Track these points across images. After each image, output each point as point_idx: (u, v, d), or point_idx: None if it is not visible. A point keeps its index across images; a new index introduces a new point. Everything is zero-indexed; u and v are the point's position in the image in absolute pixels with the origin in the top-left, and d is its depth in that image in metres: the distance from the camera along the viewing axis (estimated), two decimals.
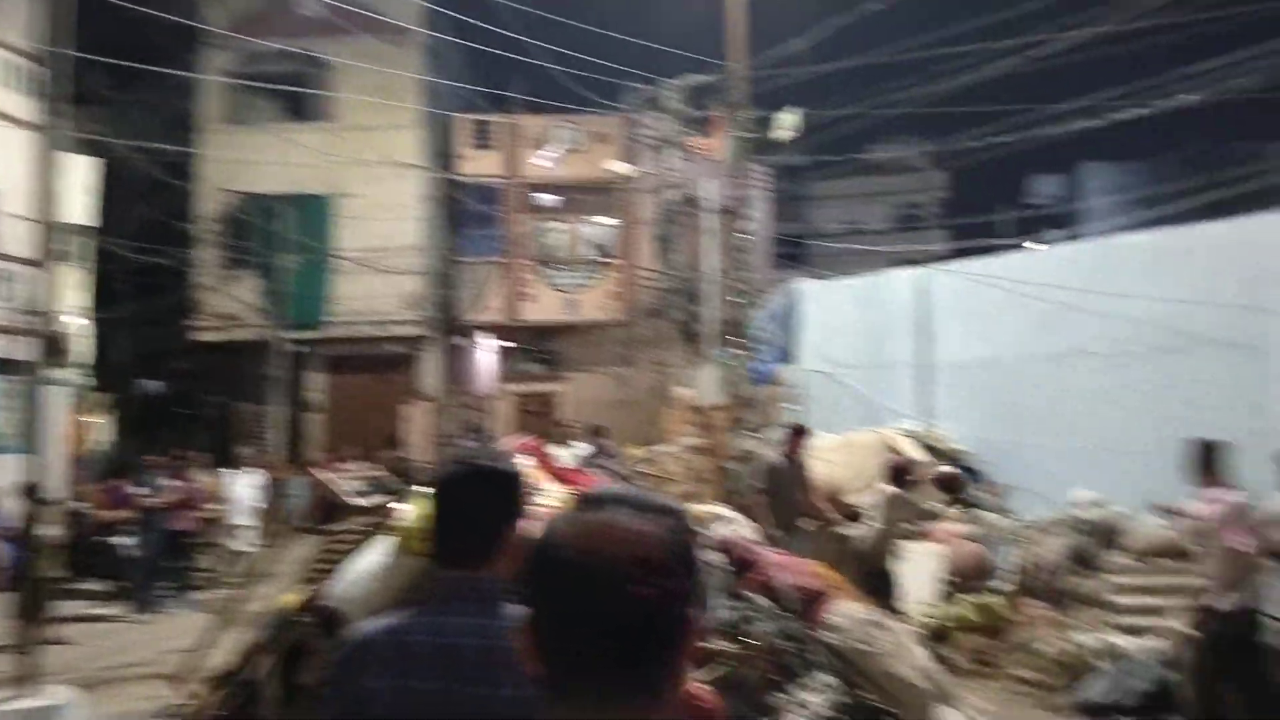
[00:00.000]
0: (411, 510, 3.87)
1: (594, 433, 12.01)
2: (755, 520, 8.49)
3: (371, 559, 3.98)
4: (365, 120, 17.91)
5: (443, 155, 20.35)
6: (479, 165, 20.25)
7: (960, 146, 14.81)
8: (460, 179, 20.15)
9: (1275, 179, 16.76)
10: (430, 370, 19.93)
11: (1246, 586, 5.31)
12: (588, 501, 1.12)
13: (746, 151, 13.37)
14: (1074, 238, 20.28)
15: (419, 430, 18.83)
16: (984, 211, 28.37)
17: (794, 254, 27.55)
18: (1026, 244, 12.24)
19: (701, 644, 1.11)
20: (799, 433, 8.77)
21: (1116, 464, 9.35)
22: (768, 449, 9.65)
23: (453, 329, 20.45)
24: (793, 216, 34.06)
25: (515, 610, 1.59)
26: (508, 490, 1.88)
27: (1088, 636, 7.53)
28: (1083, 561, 8.66)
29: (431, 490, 1.93)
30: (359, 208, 18.29)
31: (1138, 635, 7.21)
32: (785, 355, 12.82)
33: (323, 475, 13.91)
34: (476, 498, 1.84)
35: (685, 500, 10.77)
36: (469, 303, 20.33)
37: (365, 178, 18.18)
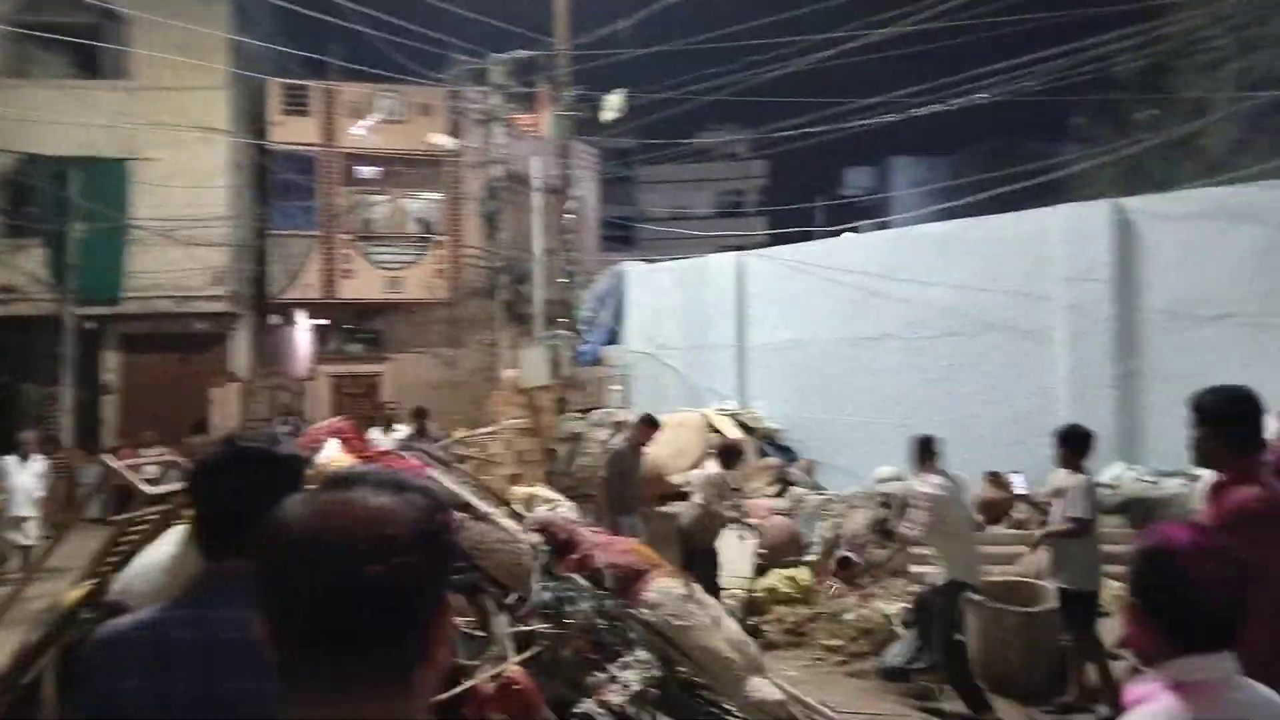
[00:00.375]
0: None
1: (416, 415, 11.71)
2: (598, 504, 8.56)
3: (162, 550, 3.73)
4: (167, 80, 16.67)
5: (254, 121, 19.23)
6: (293, 133, 19.23)
7: (777, 135, 15.32)
8: (272, 147, 19.10)
9: (1059, 174, 18.26)
10: (240, 350, 18.87)
11: (954, 563, 6.19)
12: (331, 481, 1.05)
13: (572, 131, 13.35)
14: (884, 226, 21.42)
15: (228, 414, 17.82)
16: (802, 200, 29.55)
17: (621, 236, 27.84)
18: (846, 233, 12.77)
19: (449, 628, 1.04)
20: (649, 424, 8.77)
21: None
22: (617, 438, 9.67)
23: (265, 306, 19.43)
24: (620, 199, 34.37)
25: None
26: (280, 474, 1.76)
27: (889, 604, 8.01)
28: (885, 533, 9.20)
29: (196, 476, 1.82)
30: (159, 174, 17.03)
31: None
32: (611, 336, 12.93)
33: (116, 462, 12.93)
34: (244, 483, 1.74)
35: (510, 482, 10.71)
36: (283, 279, 19.36)
37: (167, 142, 16.94)
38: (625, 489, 8.49)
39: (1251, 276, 8.35)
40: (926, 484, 6.30)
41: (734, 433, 10.50)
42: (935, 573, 6.55)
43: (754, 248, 12.38)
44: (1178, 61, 16.37)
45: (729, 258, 12.08)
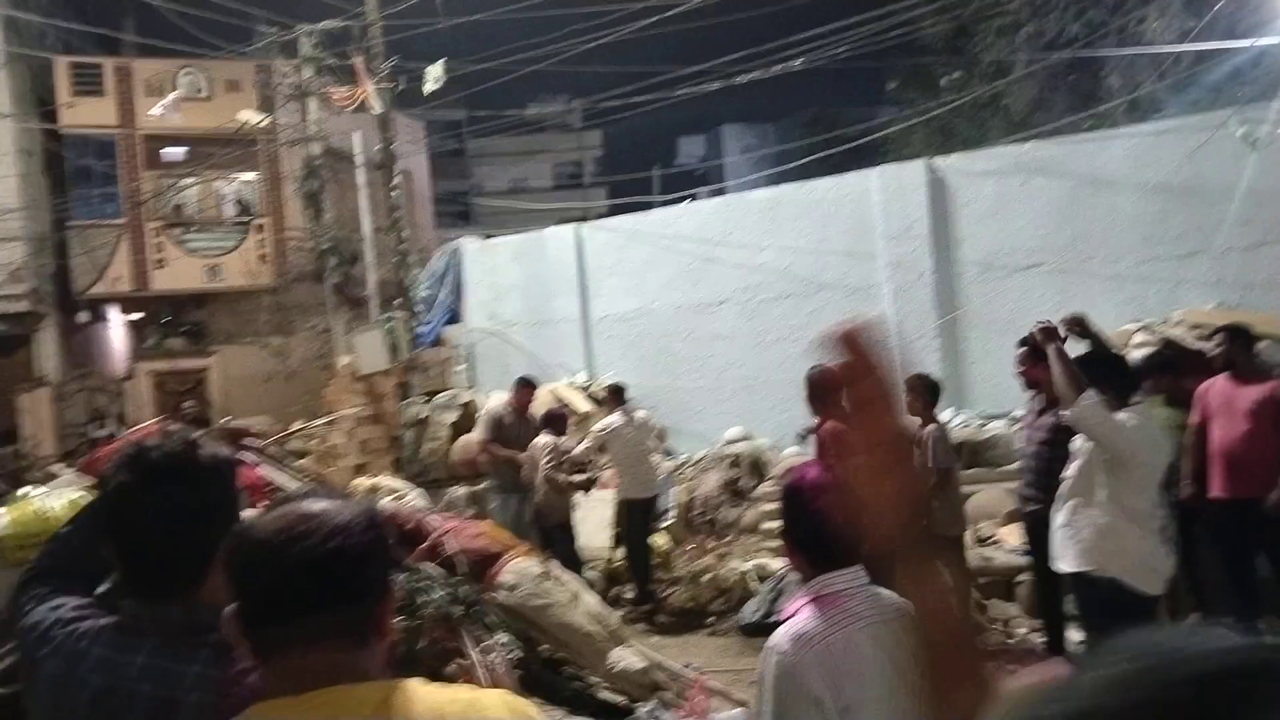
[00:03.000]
0: (12, 515, 3.33)
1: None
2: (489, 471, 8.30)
3: None
4: None
5: (42, 103, 17.63)
6: (87, 114, 17.73)
7: (608, 104, 15.28)
8: (64, 130, 17.58)
9: (875, 137, 19.07)
10: (48, 351, 17.40)
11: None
12: (280, 499, 1.32)
13: (392, 103, 12.87)
14: (720, 193, 21.81)
15: (38, 421, 16.43)
16: (639, 170, 29.70)
17: (457, 212, 27.25)
18: (687, 201, 12.89)
19: (392, 612, 1.29)
20: (526, 385, 8.54)
21: (758, 401, 10.26)
22: (493, 402, 9.37)
23: (71, 303, 17.95)
24: (454, 174, 33.61)
25: (220, 650, 1.42)
26: (210, 490, 1.52)
27: (745, 562, 8.22)
28: (736, 493, 9.44)
29: (110, 501, 1.55)
30: None
31: (786, 557, 7.97)
32: (451, 316, 12.63)
33: None
34: (165, 503, 1.47)
35: (356, 473, 10.32)
36: (90, 272, 17.93)
37: None
38: (499, 457, 8.20)
39: (1054, 227, 8.96)
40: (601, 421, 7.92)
41: (583, 405, 10.48)
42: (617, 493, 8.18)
43: (595, 219, 12.33)
44: (978, 25, 17.31)
45: (567, 230, 12.00)
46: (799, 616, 2.06)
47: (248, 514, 1.29)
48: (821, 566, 2.09)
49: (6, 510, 3.34)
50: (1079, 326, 4.99)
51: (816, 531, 2.08)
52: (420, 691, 1.22)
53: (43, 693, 1.51)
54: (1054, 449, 5.47)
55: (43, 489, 3.66)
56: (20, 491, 3.66)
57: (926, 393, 6.21)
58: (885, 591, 2.14)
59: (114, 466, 1.54)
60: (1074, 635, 5.80)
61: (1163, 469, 4.21)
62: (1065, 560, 4.11)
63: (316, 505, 1.24)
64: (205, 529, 1.47)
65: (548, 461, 7.80)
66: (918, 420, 6.32)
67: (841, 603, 2.04)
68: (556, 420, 8.07)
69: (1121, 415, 4.02)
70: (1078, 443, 4.26)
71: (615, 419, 8.21)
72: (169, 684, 1.42)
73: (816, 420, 5.70)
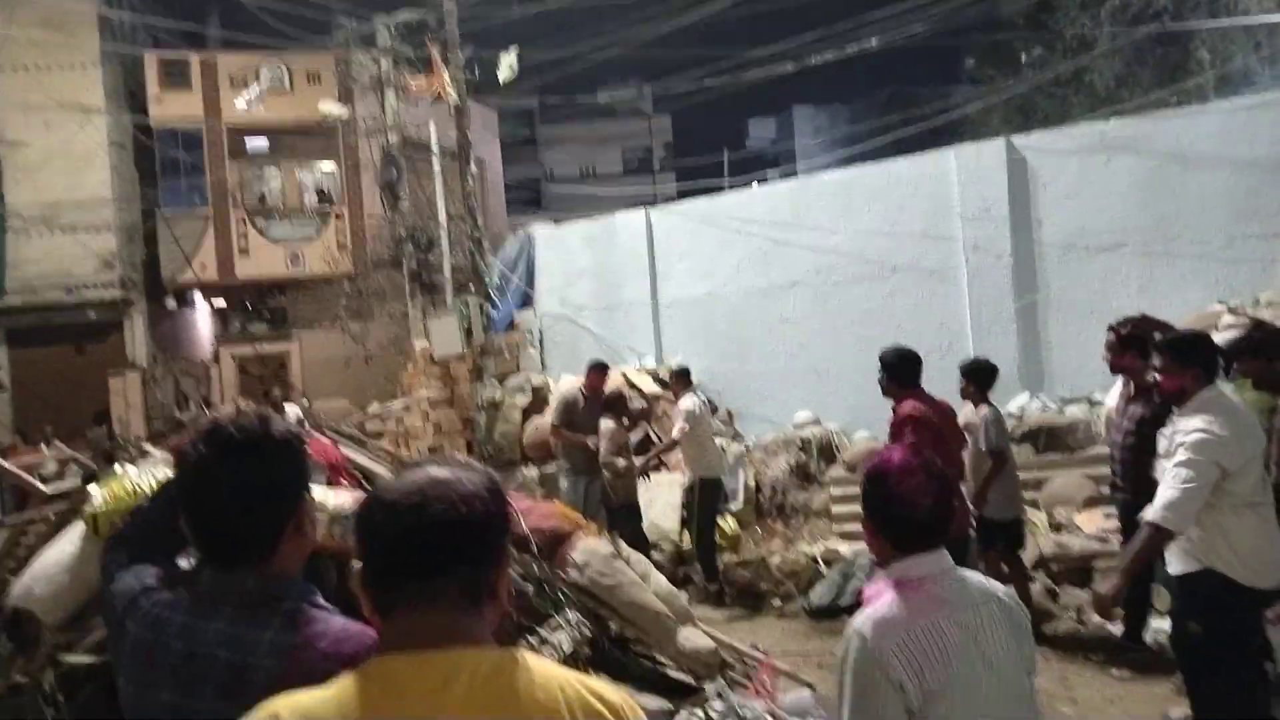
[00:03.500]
0: (106, 492, 3.49)
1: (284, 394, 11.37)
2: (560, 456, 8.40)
3: (62, 549, 3.56)
4: (32, 59, 15.72)
5: (132, 98, 18.29)
6: (175, 108, 18.36)
7: (679, 91, 15.25)
8: (154, 123, 18.22)
9: (953, 116, 18.65)
10: (138, 337, 18.11)
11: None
12: (407, 465, 1.36)
13: (468, 93, 13.04)
14: (790, 176, 21.60)
15: (130, 404, 17.14)
16: (708, 154, 29.55)
17: (529, 198, 27.50)
18: (754, 184, 12.82)
19: (508, 580, 1.34)
20: (599, 368, 8.57)
21: (827, 385, 10.17)
22: (565, 385, 9.48)
23: (160, 290, 18.64)
24: (525, 161, 33.91)
25: (292, 618, 1.51)
26: (281, 465, 1.57)
27: (813, 546, 8.19)
28: (805, 477, 9.39)
29: (181, 468, 1.62)
30: (32, 158, 16.11)
31: (855, 541, 7.91)
32: (524, 300, 12.78)
33: (10, 461, 12.33)
34: (238, 477, 1.53)
35: (430, 453, 10.54)
36: (177, 260, 18.58)
37: (38, 125, 16.02)
38: (575, 441, 8.28)
39: (1138, 206, 8.67)
40: (685, 403, 7.91)
41: (653, 389, 10.52)
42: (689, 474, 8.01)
43: (665, 203, 12.31)
44: (1060, 0, 16.79)
45: (638, 214, 12.02)
46: (881, 600, 2.05)
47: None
48: (905, 551, 2.07)
49: (101, 486, 3.49)
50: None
51: (901, 515, 2.06)
52: (534, 663, 1.25)
53: (129, 657, 1.59)
54: (1140, 440, 5.36)
55: (134, 468, 3.82)
56: (115, 469, 3.83)
57: (980, 377, 6.17)
58: (973, 575, 2.14)
59: (191, 442, 1.61)
60: (1156, 625, 5.65)
61: (1260, 455, 3.98)
62: (1172, 564, 3.92)
63: (445, 471, 1.29)
64: (277, 502, 1.56)
65: (607, 447, 7.88)
66: (969, 404, 6.24)
67: (926, 588, 2.02)
68: (616, 404, 8.12)
69: (1204, 416, 3.73)
70: (1165, 445, 3.88)
71: (694, 400, 8.17)
72: (244, 650, 1.49)
73: (893, 402, 5.61)
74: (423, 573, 1.23)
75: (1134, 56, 16.54)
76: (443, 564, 1.24)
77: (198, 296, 19.70)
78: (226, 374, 18.80)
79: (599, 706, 1.24)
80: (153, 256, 18.43)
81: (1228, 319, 7.44)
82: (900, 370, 5.52)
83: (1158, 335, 4.91)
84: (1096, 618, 6.37)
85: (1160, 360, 3.94)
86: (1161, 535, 3.62)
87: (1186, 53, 15.53)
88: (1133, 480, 5.45)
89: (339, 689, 1.22)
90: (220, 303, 19.81)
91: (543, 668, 1.25)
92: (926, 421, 5.25)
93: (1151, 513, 3.65)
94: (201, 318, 20.19)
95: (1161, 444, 4.07)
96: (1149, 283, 8.59)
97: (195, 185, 18.93)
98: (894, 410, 5.56)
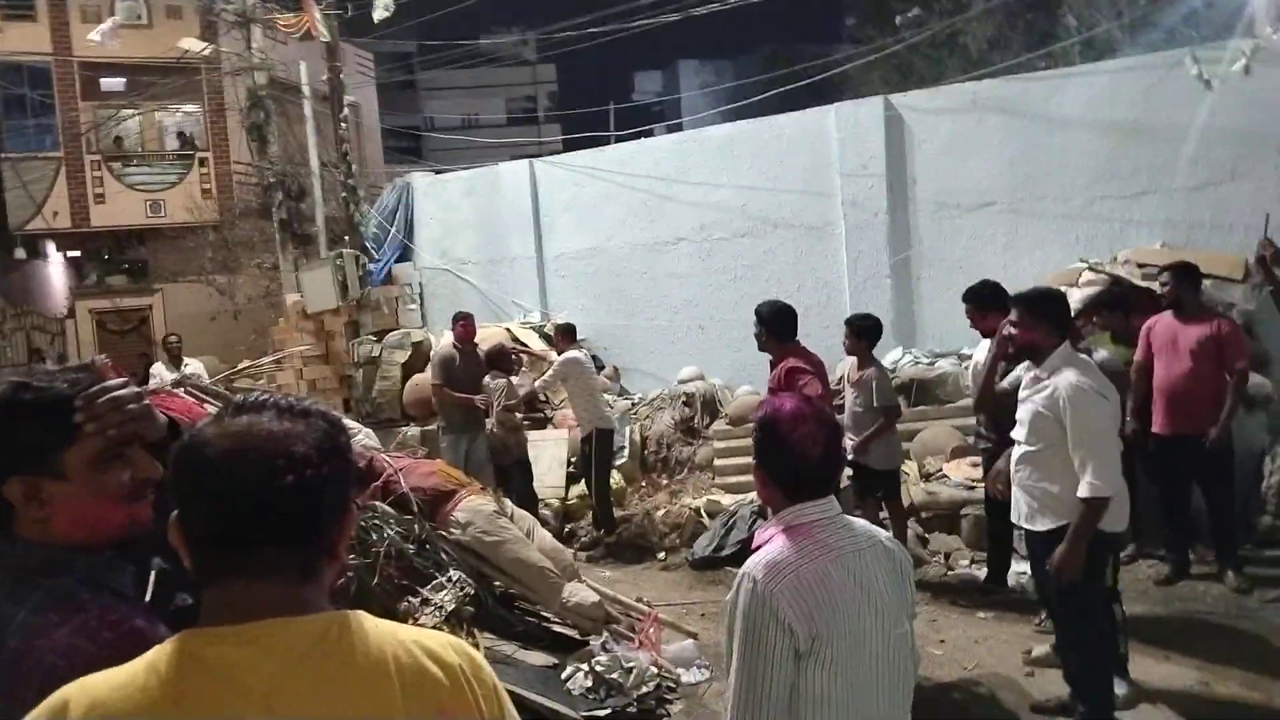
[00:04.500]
0: None
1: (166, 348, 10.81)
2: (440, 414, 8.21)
3: None
4: None
5: None
6: (18, 40, 16.98)
7: (562, 35, 14.94)
8: None
9: (833, 73, 18.90)
10: None
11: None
12: (239, 406, 1.19)
13: (341, 32, 12.45)
14: (676, 130, 21.52)
15: None
16: (594, 106, 29.17)
17: (408, 147, 26.62)
18: (643, 138, 12.69)
19: (348, 535, 1.22)
20: (462, 318, 8.36)
21: (712, 340, 10.27)
22: (438, 342, 9.27)
23: (7, 239, 17.35)
24: (404, 107, 32.81)
25: (52, 599, 1.36)
26: (42, 423, 1.43)
27: (696, 499, 8.30)
28: (689, 432, 9.48)
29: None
30: None
31: (737, 493, 8.06)
32: (402, 253, 12.40)
33: None
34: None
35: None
36: (26, 207, 17.32)
37: None
38: (452, 400, 8.10)
39: (1006, 166, 8.98)
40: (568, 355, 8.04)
41: (539, 344, 10.40)
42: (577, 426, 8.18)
43: (549, 155, 12.09)
44: None
45: (522, 165, 11.77)
46: (771, 545, 2.06)
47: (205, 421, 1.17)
48: (795, 497, 2.10)
49: None
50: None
51: (792, 462, 2.09)
52: (366, 625, 1.16)
53: None
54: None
55: None
56: None
57: (869, 333, 6.28)
58: (858, 521, 2.18)
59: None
60: (1018, 568, 5.95)
61: (1118, 411, 4.19)
62: (1036, 521, 4.08)
63: (275, 424, 1.15)
64: (27, 464, 1.43)
65: (498, 402, 7.79)
66: (852, 359, 6.40)
67: (814, 533, 2.05)
68: (501, 359, 8.00)
69: (1073, 372, 3.86)
70: (1039, 404, 3.99)
71: (577, 352, 8.30)
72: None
73: (772, 358, 5.67)
74: (247, 545, 1.12)
75: (1005, 20, 17.07)
76: (267, 537, 1.12)
77: (50, 246, 18.43)
78: (84, 329, 17.70)
79: (433, 669, 1.16)
80: None
81: (1088, 275, 7.82)
82: (777, 325, 5.57)
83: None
84: (963, 562, 6.69)
85: (1016, 314, 4.09)
86: (1101, 503, 3.78)
87: (1055, 19, 16.12)
88: (998, 428, 5.70)
89: (144, 668, 1.10)
90: (75, 253, 18.58)
91: (373, 632, 1.16)
92: (811, 372, 5.34)
93: (1086, 487, 3.78)
94: (55, 269, 18.92)
95: (1022, 377, 4.24)
96: (1014, 240, 8.94)
97: (45, 126, 17.63)
98: (771, 365, 5.63)
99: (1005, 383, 4.66)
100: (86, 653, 1.29)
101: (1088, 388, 3.81)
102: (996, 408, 5.14)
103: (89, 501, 1.45)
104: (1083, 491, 3.78)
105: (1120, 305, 6.44)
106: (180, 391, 4.85)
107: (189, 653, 1.10)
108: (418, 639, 1.19)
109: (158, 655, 1.11)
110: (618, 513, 8.35)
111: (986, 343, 6.01)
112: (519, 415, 8.02)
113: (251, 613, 1.11)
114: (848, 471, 5.94)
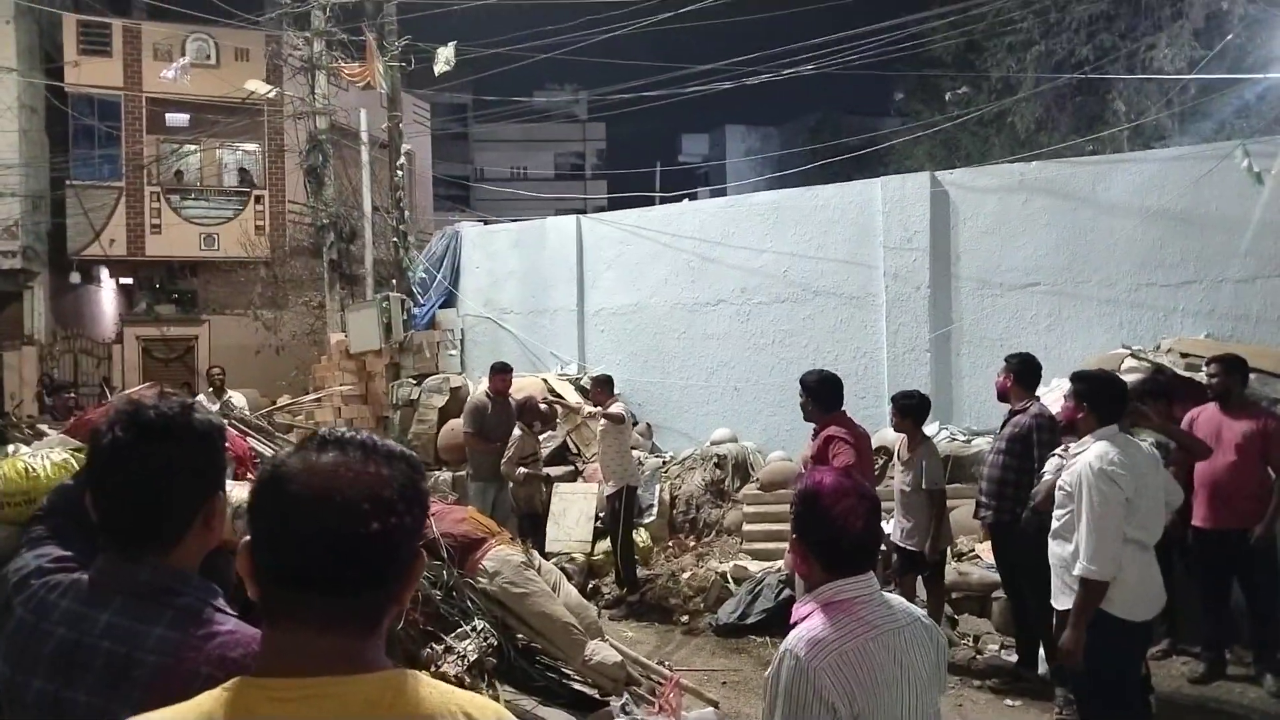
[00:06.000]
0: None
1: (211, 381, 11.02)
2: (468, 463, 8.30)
3: None
4: None
5: (48, 60, 17.51)
6: (93, 75, 17.65)
7: (614, 96, 15.26)
8: (69, 88, 17.46)
9: (881, 147, 19.10)
10: (38, 310, 17.31)
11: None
12: (323, 441, 1.16)
13: (402, 83, 12.81)
14: (720, 193, 21.79)
15: (24, 380, 16.35)
16: (640, 166, 29.66)
17: (458, 195, 27.16)
18: (685, 199, 12.88)
19: (416, 581, 1.20)
20: (499, 370, 8.55)
21: (746, 403, 10.27)
22: (475, 390, 9.41)
23: (64, 263, 17.85)
24: (457, 157, 33.52)
25: (185, 615, 1.44)
26: (197, 455, 1.51)
27: (723, 563, 8.23)
28: (719, 494, 9.45)
29: (93, 447, 1.54)
30: None
31: (764, 560, 7.99)
32: (447, 299, 12.59)
33: None
34: (151, 463, 1.47)
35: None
36: (85, 233, 17.83)
37: None
38: (482, 449, 8.22)
39: (1052, 247, 8.98)
40: (617, 406, 8.03)
41: (575, 397, 10.47)
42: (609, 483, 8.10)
43: (594, 212, 12.28)
44: (989, 41, 17.34)
45: (569, 220, 11.96)
46: (811, 621, 2.05)
47: (290, 452, 1.16)
48: (834, 572, 2.07)
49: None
50: None
51: (833, 536, 2.07)
52: (421, 690, 1.13)
53: (10, 639, 1.52)
54: (1008, 457, 5.60)
55: (26, 449, 3.63)
56: (7, 449, 3.63)
57: (919, 412, 6.15)
58: (896, 598, 2.18)
59: (109, 422, 1.54)
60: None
61: (1162, 497, 4.14)
62: (1057, 600, 4.04)
63: (362, 465, 1.12)
64: (186, 492, 1.50)
65: (508, 457, 7.85)
66: (903, 437, 6.31)
67: (855, 610, 2.03)
68: (528, 412, 8.09)
69: (1102, 447, 3.85)
70: (1064, 479, 4.04)
71: (623, 406, 8.36)
72: (129, 643, 1.43)
73: (816, 425, 5.64)
74: (318, 588, 1.09)
75: (1054, 102, 17.18)
76: (344, 585, 1.09)
77: (104, 272, 18.93)
78: (129, 355, 18.08)
79: None
80: (59, 227, 17.66)
81: (1130, 362, 7.75)
82: (822, 394, 5.54)
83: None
84: (992, 646, 6.56)
85: (1072, 390, 4.11)
86: (1096, 585, 3.75)
87: (1104, 103, 16.19)
88: (997, 496, 5.67)
89: (194, 712, 1.10)
90: (127, 280, 19.07)
91: (426, 699, 1.12)
92: (849, 443, 5.33)
93: (1080, 567, 3.77)
94: (107, 295, 19.41)
95: (1052, 463, 4.22)
96: (1057, 321, 8.90)
97: (109, 157, 18.23)
98: (814, 434, 5.61)
99: (1046, 471, 4.63)
100: (235, 662, 1.37)
101: (1106, 466, 3.76)
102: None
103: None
104: (1076, 570, 3.77)
105: (1165, 394, 6.38)
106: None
107: (245, 706, 1.08)
108: (467, 709, 1.15)
109: (214, 705, 1.10)
110: (643, 572, 8.31)
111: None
112: (523, 470, 7.99)
113: (311, 667, 1.08)
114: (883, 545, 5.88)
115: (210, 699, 1.11)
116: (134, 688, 1.39)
